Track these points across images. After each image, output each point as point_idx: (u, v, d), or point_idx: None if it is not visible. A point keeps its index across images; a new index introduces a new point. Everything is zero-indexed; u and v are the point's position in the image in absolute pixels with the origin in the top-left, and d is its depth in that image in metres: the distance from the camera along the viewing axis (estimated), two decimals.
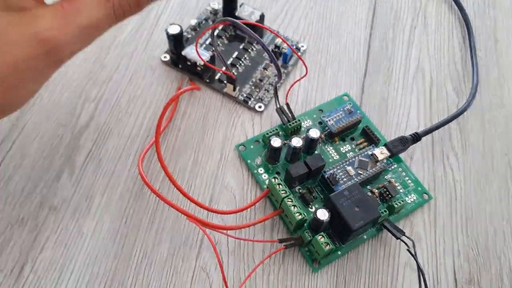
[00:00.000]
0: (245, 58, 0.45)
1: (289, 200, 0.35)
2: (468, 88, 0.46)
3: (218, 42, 0.46)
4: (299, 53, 0.46)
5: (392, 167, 0.40)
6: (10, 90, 0.27)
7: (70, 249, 0.34)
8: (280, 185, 0.35)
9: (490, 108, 0.45)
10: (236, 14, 0.46)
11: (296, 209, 0.34)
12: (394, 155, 0.39)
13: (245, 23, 0.35)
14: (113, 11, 0.29)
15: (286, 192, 0.35)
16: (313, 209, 0.37)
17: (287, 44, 0.37)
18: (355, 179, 0.37)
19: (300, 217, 0.34)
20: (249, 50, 0.46)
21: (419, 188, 0.39)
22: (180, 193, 0.33)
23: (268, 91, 0.43)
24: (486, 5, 0.53)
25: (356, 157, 0.38)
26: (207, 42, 0.46)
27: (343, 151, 0.40)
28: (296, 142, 0.37)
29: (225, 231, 0.34)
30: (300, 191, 0.38)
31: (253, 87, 0.44)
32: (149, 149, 0.36)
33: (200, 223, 0.32)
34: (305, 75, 0.40)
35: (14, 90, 0.28)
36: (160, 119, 0.32)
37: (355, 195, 0.35)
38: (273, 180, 0.35)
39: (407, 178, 0.40)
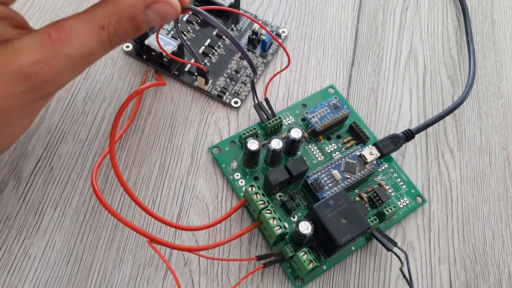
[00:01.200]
0: (218, 46, 0.40)
1: (268, 212, 0.31)
2: (464, 76, 0.42)
3: (188, 28, 0.41)
4: (280, 39, 0.41)
5: (383, 168, 0.36)
6: None
7: (15, 275, 0.30)
8: (258, 195, 0.31)
9: (487, 99, 0.41)
10: None
11: (275, 222, 0.30)
12: (384, 156, 0.35)
13: (215, 9, 0.30)
14: (108, 38, 0.24)
15: (264, 203, 0.31)
16: (296, 218, 0.33)
17: (267, 31, 0.32)
18: (342, 184, 0.33)
19: (280, 231, 0.30)
20: (223, 37, 0.41)
21: (412, 191, 0.35)
22: (141, 209, 0.28)
23: (245, 84, 0.39)
24: None
25: (343, 159, 0.34)
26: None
27: (329, 151, 0.36)
28: (276, 144, 0.33)
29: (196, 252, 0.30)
30: (281, 198, 0.34)
31: (228, 80, 0.39)
32: (104, 158, 0.31)
33: (165, 245, 0.27)
34: (287, 66, 0.35)
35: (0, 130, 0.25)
36: (114, 124, 0.27)
37: (342, 205, 0.31)
38: (250, 188, 0.31)
39: (398, 180, 0.36)
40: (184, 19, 0.42)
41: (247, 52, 0.31)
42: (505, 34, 0.45)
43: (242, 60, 0.40)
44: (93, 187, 0.29)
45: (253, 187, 0.31)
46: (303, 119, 0.38)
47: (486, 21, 0.46)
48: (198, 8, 0.27)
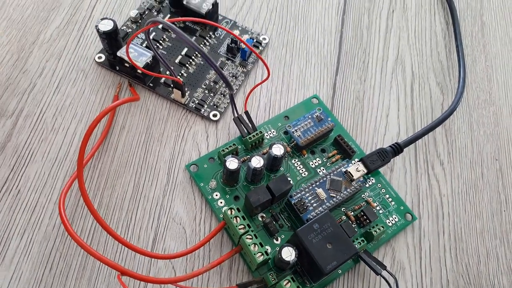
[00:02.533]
0: (196, 56, 0.38)
1: (249, 237, 0.29)
2: (454, 82, 0.40)
3: (164, 36, 0.39)
4: (261, 47, 0.39)
5: (370, 183, 0.34)
6: None
7: None
8: (238, 218, 0.29)
9: (478, 106, 0.40)
10: (185, 2, 0.38)
11: (257, 248, 0.28)
12: (371, 172, 0.33)
13: (189, 20, 0.28)
14: None
15: (244, 227, 0.29)
16: (279, 241, 0.31)
17: (244, 43, 0.31)
18: (327, 203, 0.31)
19: (261, 258, 0.28)
20: (201, 45, 0.39)
21: (401, 207, 0.34)
22: (114, 238, 0.26)
23: (224, 95, 0.37)
24: None
25: (328, 176, 0.32)
26: (151, 37, 0.39)
27: (313, 166, 0.35)
28: (257, 162, 0.31)
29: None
30: (264, 219, 0.32)
31: (206, 91, 0.37)
32: (73, 182, 0.29)
33: (138, 279, 0.25)
34: (266, 79, 0.33)
35: None
36: (82, 147, 0.25)
37: (327, 228, 0.29)
38: (229, 212, 0.29)
39: (387, 196, 0.34)
40: (160, 26, 0.39)
41: (221, 69, 0.29)
42: (495, 36, 0.44)
43: (221, 69, 0.38)
44: (61, 216, 0.26)
45: (232, 210, 0.29)
46: (286, 132, 0.36)
47: (476, 23, 0.44)
48: (166, 21, 0.25)
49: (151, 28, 0.38)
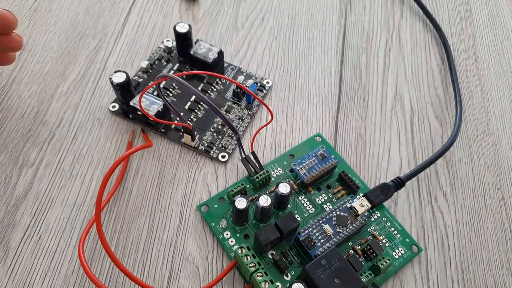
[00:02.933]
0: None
1: (260, 274, 0.30)
2: (452, 115, 0.42)
3: (174, 85, 0.41)
4: (265, 90, 0.42)
5: (375, 217, 0.36)
6: None
7: None
8: (248, 257, 0.30)
9: (477, 137, 0.41)
10: (192, 52, 0.41)
11: (267, 285, 0.30)
12: (375, 206, 0.34)
13: (196, 74, 0.30)
14: None
15: (255, 265, 0.30)
16: (289, 277, 0.33)
17: (246, 90, 0.33)
18: (334, 239, 0.33)
19: None
20: (209, 92, 0.41)
21: (407, 240, 0.35)
22: (130, 279, 0.28)
23: (232, 137, 0.39)
24: (462, 20, 0.49)
25: (334, 212, 0.34)
26: (161, 85, 0.41)
27: (319, 202, 0.36)
28: (264, 201, 0.33)
29: None
30: (273, 256, 0.33)
31: (214, 134, 0.39)
32: (91, 226, 0.31)
33: None
34: (270, 121, 0.35)
35: None
36: (99, 193, 0.27)
37: (334, 264, 0.30)
38: (239, 251, 0.31)
39: (392, 229, 0.35)
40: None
41: (225, 116, 0.31)
42: (489, 69, 0.46)
43: (228, 113, 0.40)
44: (80, 259, 0.28)
45: (243, 249, 0.31)
46: (291, 170, 0.37)
47: (469, 58, 0.46)
48: (174, 76, 0.28)
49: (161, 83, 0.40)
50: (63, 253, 0.33)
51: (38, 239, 0.33)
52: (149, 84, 0.30)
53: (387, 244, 0.34)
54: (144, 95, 0.38)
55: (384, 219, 0.36)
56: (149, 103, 0.37)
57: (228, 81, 0.42)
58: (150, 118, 0.37)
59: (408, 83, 0.44)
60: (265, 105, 0.32)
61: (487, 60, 0.46)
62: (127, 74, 0.36)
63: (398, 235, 0.35)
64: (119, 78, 0.36)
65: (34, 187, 0.35)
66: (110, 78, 0.36)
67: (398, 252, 0.34)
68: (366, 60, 0.45)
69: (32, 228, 0.34)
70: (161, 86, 0.41)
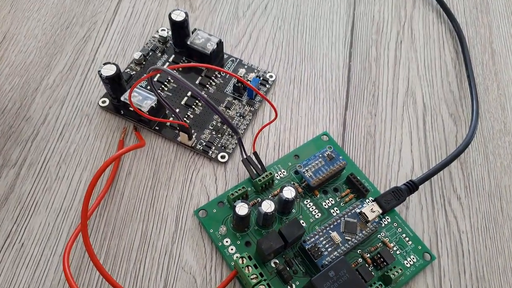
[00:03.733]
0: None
1: (262, 287, 0.27)
2: (467, 113, 0.39)
3: (169, 78, 0.38)
4: (268, 85, 0.39)
5: (385, 223, 0.33)
6: None
7: None
8: (249, 268, 0.28)
9: (493, 136, 0.38)
10: (189, 42, 0.38)
11: None
12: (387, 212, 0.32)
13: (192, 66, 0.27)
14: None
15: (257, 277, 0.28)
16: None
17: (248, 85, 0.30)
18: (342, 247, 0.30)
19: None
20: (207, 86, 0.38)
21: (419, 247, 0.32)
22: None
23: (232, 136, 0.36)
24: (478, 10, 0.46)
25: (342, 218, 0.31)
26: (155, 79, 0.38)
27: (326, 207, 0.33)
28: (267, 207, 0.30)
29: None
30: (277, 266, 0.30)
31: (213, 133, 0.36)
32: (78, 234, 0.28)
33: None
34: (274, 119, 0.32)
35: None
36: (85, 201, 0.24)
37: (343, 276, 0.27)
38: (240, 261, 0.28)
39: (404, 235, 0.33)
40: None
41: (224, 114, 0.28)
42: (507, 63, 0.43)
43: (228, 110, 0.37)
44: (66, 275, 0.25)
45: (243, 259, 0.28)
46: (296, 172, 0.35)
47: (486, 51, 0.43)
48: (167, 69, 0.25)
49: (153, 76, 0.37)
50: (48, 262, 0.30)
51: (21, 247, 0.31)
52: (141, 77, 0.27)
53: (398, 252, 0.32)
54: (136, 89, 0.35)
55: (395, 224, 0.33)
56: (141, 98, 0.34)
57: (228, 75, 0.39)
58: (143, 116, 0.34)
59: (420, 78, 0.41)
60: (269, 102, 0.29)
61: (504, 54, 0.43)
62: (117, 66, 0.33)
63: (410, 242, 0.32)
64: (109, 70, 0.33)
65: (16, 190, 0.33)
66: (99, 71, 0.33)
67: (410, 261, 0.32)
68: (376, 53, 0.42)
69: (14, 235, 0.31)
70: (155, 79, 0.38)
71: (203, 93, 0.37)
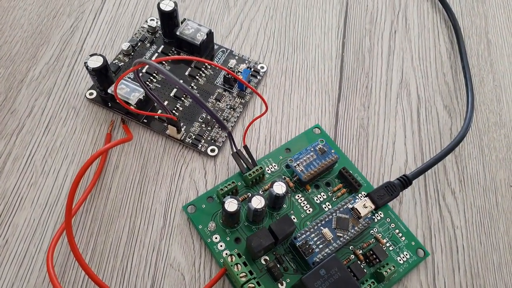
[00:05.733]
0: (191, 88, 0.37)
1: (251, 286, 0.27)
2: (462, 104, 0.39)
3: None
4: (259, 76, 0.38)
5: (378, 218, 0.32)
6: None
7: None
8: (239, 266, 0.27)
9: (489, 129, 0.38)
10: (178, 32, 0.37)
11: None
12: (379, 207, 0.31)
13: (180, 58, 0.26)
14: None
15: (246, 275, 0.27)
16: (284, 286, 0.29)
17: (238, 78, 0.29)
18: (334, 244, 0.30)
19: None
20: (197, 77, 0.37)
21: (413, 243, 0.32)
22: None
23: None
24: (474, 0, 0.45)
25: (334, 214, 0.31)
26: (144, 70, 0.37)
27: (318, 202, 0.33)
28: (257, 203, 0.29)
29: None
30: (267, 263, 0.30)
31: (203, 125, 0.35)
32: (63, 232, 0.28)
33: None
34: (264, 112, 0.31)
35: None
36: (70, 197, 0.24)
37: (334, 274, 0.27)
38: (229, 259, 0.27)
39: (397, 231, 0.32)
40: (153, 58, 0.38)
41: (212, 110, 0.27)
42: (502, 54, 0.42)
43: (218, 102, 0.36)
44: (50, 275, 0.25)
45: (233, 257, 0.27)
46: (288, 166, 0.34)
47: (481, 42, 0.42)
48: (152, 62, 0.24)
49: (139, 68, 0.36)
50: (32, 259, 0.29)
51: (5, 244, 0.30)
52: (128, 69, 0.27)
53: (391, 248, 0.31)
54: (124, 81, 0.34)
55: (388, 220, 0.33)
56: (129, 91, 0.33)
57: (220, 64, 0.38)
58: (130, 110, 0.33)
59: (414, 69, 0.40)
60: (259, 95, 0.28)
61: (500, 44, 0.42)
62: (104, 57, 0.32)
63: (403, 238, 0.32)
64: (95, 62, 0.32)
65: (0, 185, 0.32)
66: (85, 63, 0.32)
67: (403, 257, 0.31)
68: (369, 43, 0.41)
69: None
70: (144, 70, 0.37)
71: (190, 87, 0.36)
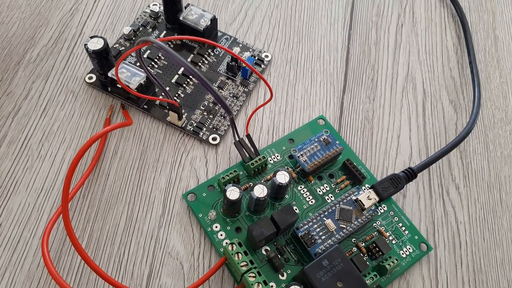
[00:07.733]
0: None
1: (252, 275, 0.26)
2: (467, 100, 0.38)
3: (159, 55, 0.36)
4: (263, 65, 0.37)
5: (381, 211, 0.32)
6: None
7: None
8: (239, 255, 0.27)
9: (494, 125, 0.37)
10: (181, 18, 0.36)
11: (260, 287, 0.26)
12: (383, 200, 0.31)
13: (183, 38, 0.25)
14: None
15: (247, 265, 0.26)
16: (285, 277, 0.29)
17: (245, 63, 0.28)
18: (337, 235, 0.29)
19: None
20: (200, 64, 0.36)
21: (416, 237, 0.31)
22: (102, 279, 0.24)
23: (224, 117, 0.34)
24: None
25: (337, 205, 0.30)
26: (145, 55, 0.36)
27: (320, 193, 0.32)
28: (259, 191, 0.29)
29: None
30: (268, 253, 0.29)
31: (205, 113, 0.34)
32: (58, 218, 0.27)
33: None
34: (269, 100, 0.31)
35: None
36: (67, 181, 0.23)
37: (337, 265, 0.26)
38: (229, 247, 0.27)
39: (400, 225, 0.32)
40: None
41: (218, 93, 0.27)
42: (510, 50, 0.41)
43: (221, 90, 0.35)
44: (45, 259, 0.24)
45: (233, 246, 0.27)
46: (291, 157, 0.33)
47: (489, 37, 0.42)
48: (157, 41, 0.23)
49: (145, 47, 0.36)
50: (27, 244, 0.29)
51: None
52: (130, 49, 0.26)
53: (394, 242, 0.31)
54: (125, 65, 0.33)
55: (392, 213, 0.32)
56: (130, 75, 0.32)
57: (222, 53, 0.37)
58: (131, 93, 0.32)
59: (421, 63, 0.39)
60: (264, 80, 0.27)
61: (507, 41, 0.42)
62: (105, 40, 0.32)
63: (406, 232, 0.31)
64: (96, 44, 0.31)
65: None
66: (85, 45, 0.31)
67: (406, 251, 0.31)
68: (376, 36, 0.40)
69: None
70: (145, 56, 0.36)
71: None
